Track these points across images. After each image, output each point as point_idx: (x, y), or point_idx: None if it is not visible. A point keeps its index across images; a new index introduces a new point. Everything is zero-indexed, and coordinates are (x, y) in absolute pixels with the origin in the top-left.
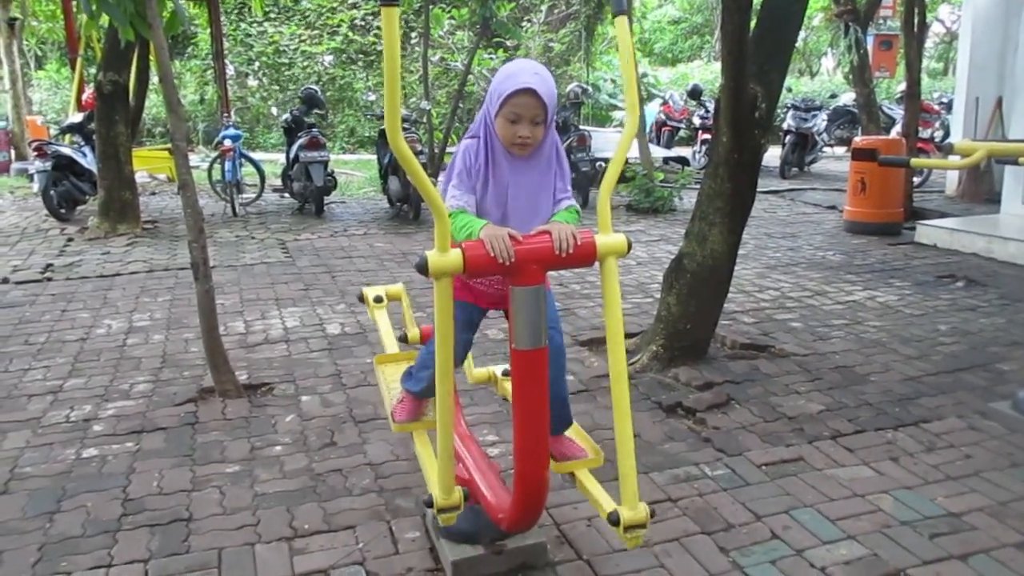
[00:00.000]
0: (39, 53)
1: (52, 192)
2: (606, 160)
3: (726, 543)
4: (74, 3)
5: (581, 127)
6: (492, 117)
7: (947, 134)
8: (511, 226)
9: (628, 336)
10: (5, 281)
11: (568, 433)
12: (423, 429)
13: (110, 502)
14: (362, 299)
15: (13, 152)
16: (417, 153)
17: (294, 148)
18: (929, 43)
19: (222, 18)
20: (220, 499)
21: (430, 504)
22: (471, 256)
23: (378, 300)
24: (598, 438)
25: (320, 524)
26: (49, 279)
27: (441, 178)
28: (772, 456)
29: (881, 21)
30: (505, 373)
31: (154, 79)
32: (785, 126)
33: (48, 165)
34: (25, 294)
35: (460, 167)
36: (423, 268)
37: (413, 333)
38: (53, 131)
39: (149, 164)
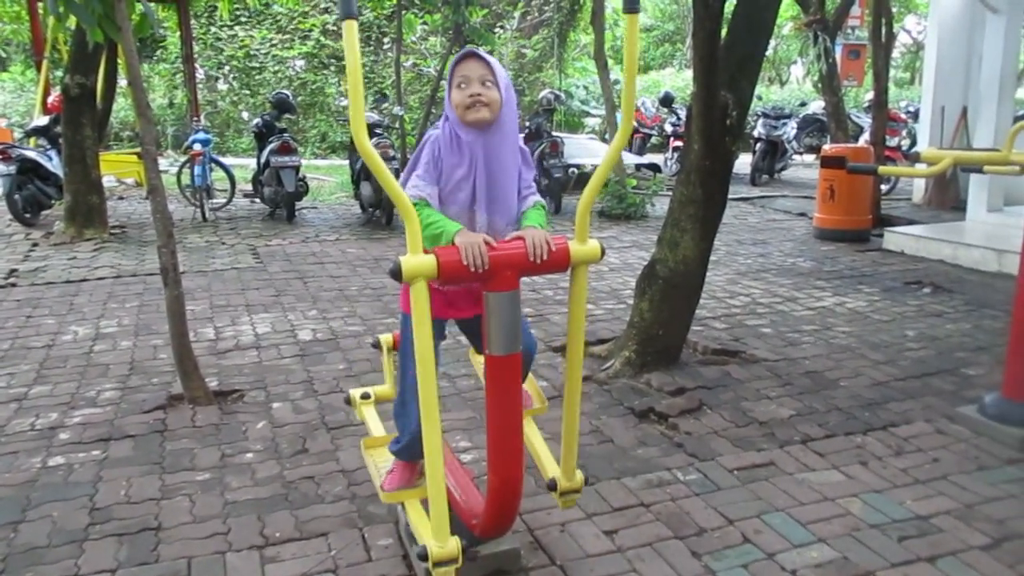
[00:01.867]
0: (3, 55)
1: (17, 196)
2: (578, 166)
3: (698, 547)
4: (40, 4)
5: (554, 133)
6: (448, 96)
7: (914, 143)
8: (481, 204)
9: (601, 342)
10: None
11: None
12: (415, 497)
13: (77, 511)
14: (349, 402)
15: None
16: (390, 159)
17: (265, 153)
18: (896, 53)
19: (192, 21)
20: (190, 507)
21: (424, 557)
22: (445, 262)
23: (365, 397)
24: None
25: (292, 532)
26: (13, 285)
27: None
28: (744, 461)
29: (849, 31)
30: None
31: (122, 82)
32: (756, 134)
33: (12, 169)
34: None
35: (426, 158)
36: (396, 273)
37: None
38: (18, 134)
39: (117, 168)
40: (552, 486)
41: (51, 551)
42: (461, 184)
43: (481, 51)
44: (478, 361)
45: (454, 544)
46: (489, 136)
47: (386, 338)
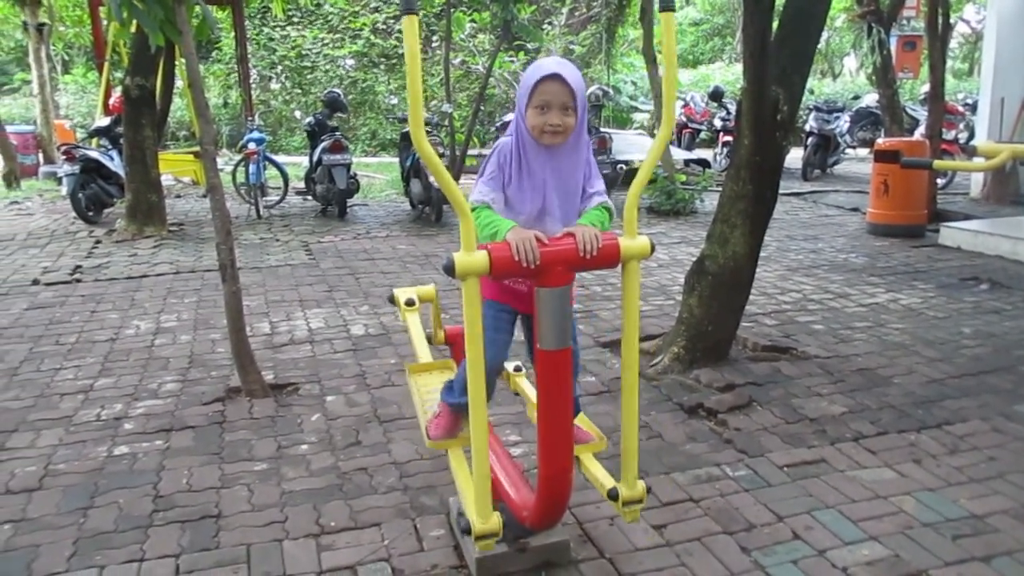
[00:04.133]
0: (66, 57)
1: (80, 195)
2: (627, 162)
3: (748, 543)
4: (102, 8)
5: (602, 129)
6: (523, 112)
7: (972, 135)
8: (550, 218)
9: (650, 338)
10: (36, 283)
11: (576, 421)
12: (459, 447)
13: (141, 498)
14: (392, 301)
15: (41, 156)
16: (439, 156)
17: (317, 151)
18: (954, 43)
19: (245, 22)
20: (248, 496)
21: (467, 531)
22: (497, 257)
23: (410, 303)
24: (617, 438)
25: (346, 521)
26: (78, 280)
27: (464, 180)
28: (794, 457)
29: (905, 22)
30: (516, 369)
31: (178, 83)
32: (807, 128)
33: (76, 168)
34: (55, 295)
35: (493, 165)
36: (450, 269)
37: (439, 336)
38: (80, 135)
39: (174, 167)
40: (613, 495)
41: (118, 536)
42: (530, 195)
43: (566, 71)
44: (518, 384)
45: (496, 520)
46: (560, 154)
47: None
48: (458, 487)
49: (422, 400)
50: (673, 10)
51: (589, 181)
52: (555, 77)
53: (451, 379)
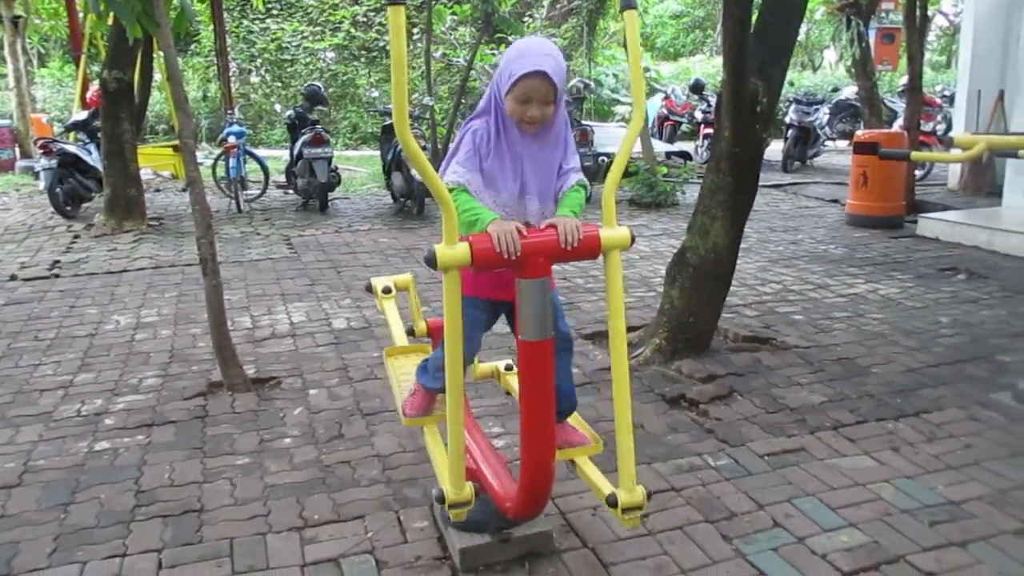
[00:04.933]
0: (42, 51)
1: (58, 190)
2: (608, 155)
3: (729, 531)
4: (79, 2)
5: (583, 122)
6: (502, 95)
7: (949, 127)
8: (529, 196)
9: (631, 329)
10: (13, 278)
11: (570, 421)
12: (434, 423)
13: (123, 494)
14: (370, 289)
15: (18, 150)
16: (420, 149)
17: (298, 144)
18: (931, 36)
19: (224, 15)
20: (231, 490)
21: (441, 499)
22: (479, 250)
23: (387, 291)
24: (601, 429)
25: (330, 514)
26: (57, 276)
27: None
28: (774, 446)
29: (883, 14)
30: (508, 368)
31: (157, 76)
32: (787, 120)
33: (54, 163)
34: (33, 290)
35: (469, 146)
36: (431, 261)
37: (420, 327)
38: (58, 129)
39: (153, 161)
40: (612, 502)
41: (100, 531)
42: (511, 175)
43: (550, 66)
44: (509, 383)
45: (468, 489)
46: (538, 134)
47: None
48: (432, 461)
49: (399, 381)
50: (635, 8)
51: (565, 157)
52: (540, 74)
53: (426, 359)
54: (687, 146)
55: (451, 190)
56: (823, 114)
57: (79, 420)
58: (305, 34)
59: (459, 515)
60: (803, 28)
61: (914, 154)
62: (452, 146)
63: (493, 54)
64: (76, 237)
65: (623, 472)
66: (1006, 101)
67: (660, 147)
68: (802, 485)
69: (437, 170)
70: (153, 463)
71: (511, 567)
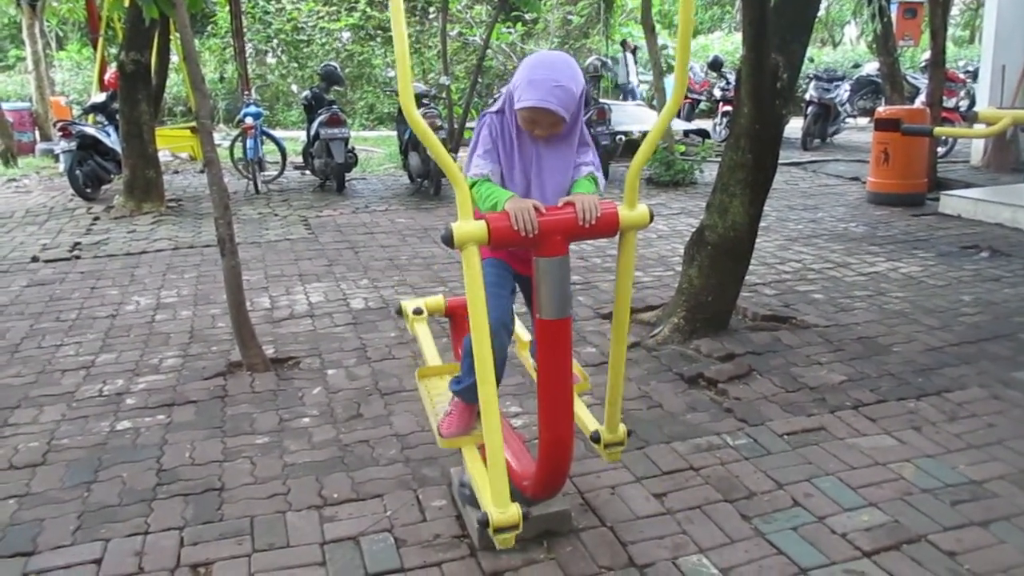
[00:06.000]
0: (60, 33)
1: (78, 172)
2: (626, 133)
3: (748, 510)
4: None
5: (600, 100)
6: (513, 101)
7: (972, 103)
8: (536, 197)
9: (650, 309)
10: (35, 260)
11: None
12: (472, 444)
13: (145, 472)
14: (400, 313)
15: (38, 133)
16: (437, 128)
17: (314, 125)
18: (955, 10)
19: None
20: (251, 469)
21: (485, 523)
22: (496, 227)
23: (417, 312)
24: (622, 409)
25: (349, 493)
26: (77, 257)
27: (463, 152)
28: (794, 426)
29: None
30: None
31: (174, 58)
32: (807, 97)
33: (73, 145)
34: (55, 272)
35: (486, 138)
36: (448, 239)
37: (433, 303)
38: (77, 111)
39: (171, 143)
40: (596, 438)
41: (122, 509)
42: (519, 175)
43: (558, 101)
44: (525, 356)
45: (515, 510)
46: (548, 141)
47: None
48: (474, 484)
49: (432, 403)
50: None
51: (578, 152)
52: (545, 111)
53: (458, 376)
54: (705, 124)
55: (475, 184)
56: (843, 91)
57: (101, 400)
58: (321, 14)
59: (507, 541)
60: (823, 3)
61: (937, 129)
62: (472, 141)
63: (510, 32)
64: (96, 219)
65: (609, 413)
66: None
67: (678, 125)
68: (822, 464)
69: (450, 149)
70: (174, 442)
71: (529, 545)
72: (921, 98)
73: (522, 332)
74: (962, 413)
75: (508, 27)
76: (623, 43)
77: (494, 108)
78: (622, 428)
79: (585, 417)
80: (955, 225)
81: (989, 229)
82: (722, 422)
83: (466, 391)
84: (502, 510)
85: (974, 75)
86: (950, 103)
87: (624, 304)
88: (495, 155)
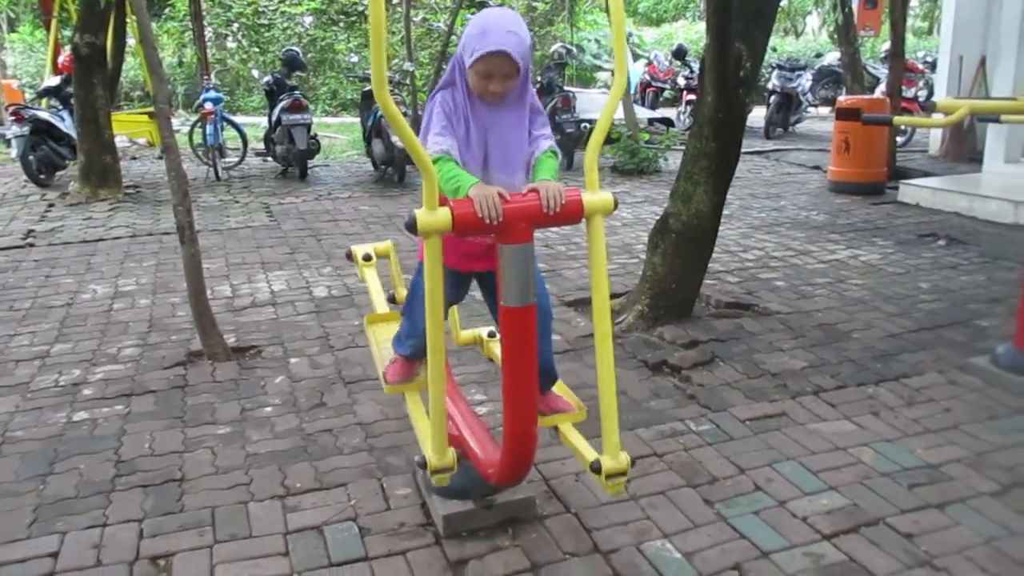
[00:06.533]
0: (11, 15)
1: (31, 157)
2: (591, 121)
3: (711, 495)
4: None
5: (565, 88)
6: (465, 68)
7: (931, 93)
8: (493, 167)
9: (614, 296)
10: None
11: (554, 390)
12: (415, 390)
13: (103, 464)
14: (350, 257)
15: None
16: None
17: (276, 111)
18: (914, 2)
19: None
20: (212, 459)
21: (423, 465)
22: (460, 215)
23: (367, 258)
24: (583, 395)
25: (312, 482)
26: (31, 245)
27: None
28: (756, 411)
29: None
30: (491, 335)
31: (131, 41)
32: (770, 86)
33: (26, 130)
34: (7, 260)
35: (440, 115)
36: (412, 226)
37: (401, 294)
38: (29, 95)
39: (128, 128)
40: (596, 468)
41: (79, 501)
42: (475, 144)
43: (512, 45)
44: (492, 349)
45: (451, 455)
46: (502, 107)
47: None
48: (415, 427)
49: (379, 348)
50: None
51: (535, 123)
52: (501, 54)
53: (400, 330)
54: (670, 112)
55: (436, 160)
56: (806, 80)
57: (57, 390)
58: None
59: (442, 480)
60: None
61: (896, 119)
62: (424, 121)
63: None
64: (51, 206)
65: (607, 439)
66: (988, 67)
67: (642, 113)
68: (783, 449)
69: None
70: (133, 433)
71: (494, 533)
72: (881, 88)
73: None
74: (919, 398)
75: (472, 13)
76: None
77: (442, 83)
78: (623, 456)
79: (581, 447)
80: (913, 213)
81: (946, 218)
82: (685, 408)
83: (407, 351)
84: (439, 455)
85: (933, 66)
86: (909, 93)
87: (603, 299)
88: (451, 130)
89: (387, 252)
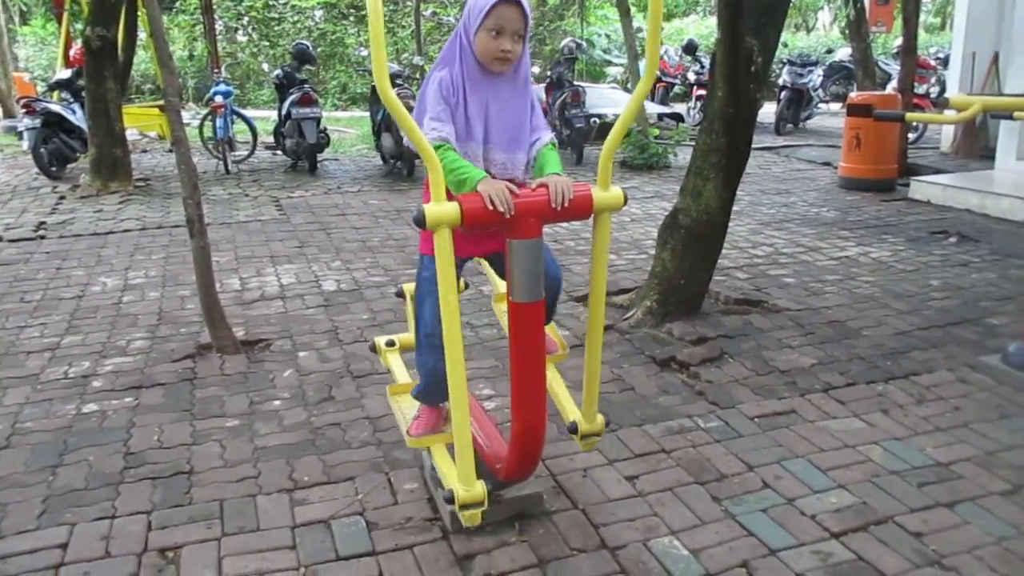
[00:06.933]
0: (23, 8)
1: (42, 150)
2: (600, 116)
3: (719, 492)
4: None
5: (575, 83)
6: (472, 35)
7: (943, 90)
8: (492, 145)
9: (623, 292)
10: None
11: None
12: (441, 443)
13: (112, 456)
14: (374, 349)
15: (1, 110)
16: (410, 109)
17: (286, 104)
18: None
19: None
20: (221, 452)
21: (450, 500)
22: (469, 209)
23: (390, 344)
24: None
25: (320, 476)
26: (43, 237)
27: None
28: (764, 409)
29: None
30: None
31: (141, 34)
32: (780, 82)
33: (37, 122)
34: (19, 252)
35: (437, 97)
36: (420, 221)
37: (405, 338)
38: (41, 88)
39: (139, 121)
40: (573, 429)
41: (88, 493)
42: (474, 123)
43: None
44: (500, 310)
45: (480, 488)
46: (501, 81)
47: (409, 287)
48: (438, 469)
49: (403, 413)
50: None
51: (533, 114)
52: (512, 2)
53: (418, 383)
54: (680, 108)
55: (436, 147)
56: (816, 76)
57: (66, 382)
58: None
59: (473, 518)
60: None
61: (908, 115)
62: (418, 100)
63: None
64: (62, 198)
65: (587, 403)
66: (1001, 63)
67: (652, 109)
68: (792, 447)
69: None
70: (142, 425)
71: (501, 528)
72: (893, 84)
73: (500, 283)
74: (930, 396)
75: None
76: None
77: (440, 62)
78: (600, 418)
79: (566, 402)
80: (924, 210)
81: (958, 215)
82: (694, 405)
83: (424, 393)
84: (467, 488)
85: (945, 62)
86: (921, 89)
87: (600, 288)
88: (448, 114)
89: (410, 344)
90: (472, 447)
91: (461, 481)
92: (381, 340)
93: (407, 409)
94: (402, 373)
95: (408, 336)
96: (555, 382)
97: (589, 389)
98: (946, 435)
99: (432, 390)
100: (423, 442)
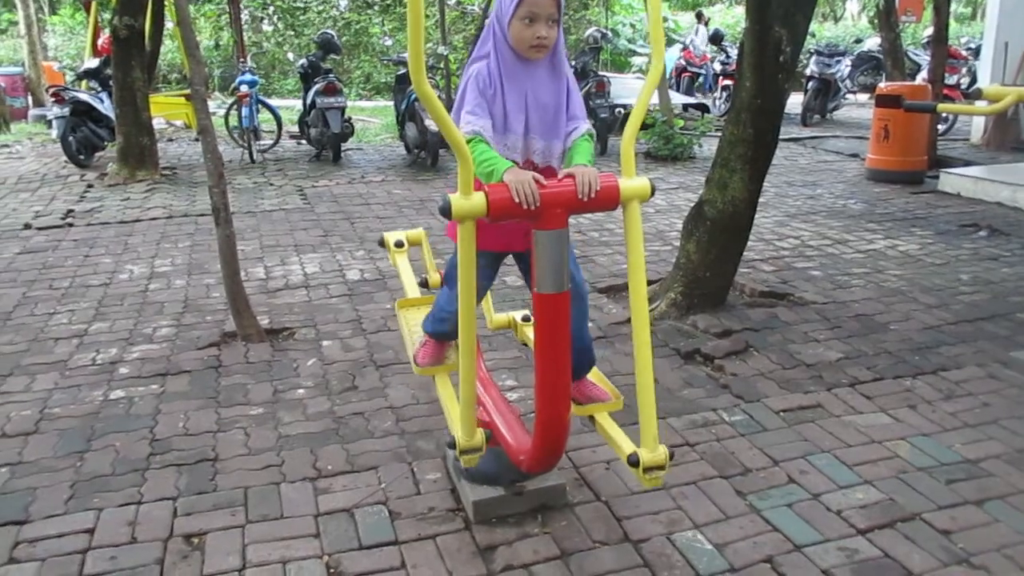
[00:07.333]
0: None
1: (71, 138)
2: (625, 106)
3: (743, 487)
4: None
5: (600, 73)
6: (506, 24)
7: (974, 81)
8: (534, 136)
9: (647, 283)
10: (27, 227)
11: (590, 377)
12: (445, 372)
13: (138, 442)
14: (383, 244)
15: (31, 98)
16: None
17: (311, 94)
18: None
19: None
20: (245, 440)
21: (452, 445)
22: (495, 200)
23: (399, 245)
24: (617, 383)
25: (343, 465)
26: (71, 225)
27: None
28: (790, 403)
29: None
30: (525, 319)
31: (169, 24)
32: (808, 72)
33: (66, 111)
34: (48, 239)
35: (474, 91)
36: (447, 211)
37: (434, 278)
38: (70, 77)
39: (166, 110)
40: (634, 462)
41: (115, 479)
42: (515, 114)
43: None
44: (525, 333)
45: (480, 435)
46: (539, 68)
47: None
48: (444, 410)
49: (410, 332)
50: None
51: (571, 99)
52: None
53: (431, 311)
54: (704, 97)
55: (468, 140)
56: (844, 66)
57: (94, 369)
58: None
59: (470, 460)
60: None
61: (940, 106)
62: (457, 96)
63: None
64: (89, 186)
65: (645, 431)
66: None
67: (677, 99)
68: (818, 442)
69: None
70: (168, 412)
71: (524, 519)
72: (922, 75)
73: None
74: (958, 392)
75: None
76: (698, 15)
77: (476, 55)
78: (662, 449)
79: (617, 437)
80: (954, 203)
81: (988, 208)
82: (718, 398)
83: (434, 334)
84: (468, 437)
85: (976, 52)
86: (951, 80)
87: (640, 283)
88: (485, 108)
89: (419, 239)
90: (474, 396)
91: (462, 431)
92: (391, 238)
93: (415, 328)
94: (409, 279)
95: (416, 232)
96: (605, 423)
97: (644, 407)
98: (975, 431)
99: (445, 335)
100: (429, 371)
